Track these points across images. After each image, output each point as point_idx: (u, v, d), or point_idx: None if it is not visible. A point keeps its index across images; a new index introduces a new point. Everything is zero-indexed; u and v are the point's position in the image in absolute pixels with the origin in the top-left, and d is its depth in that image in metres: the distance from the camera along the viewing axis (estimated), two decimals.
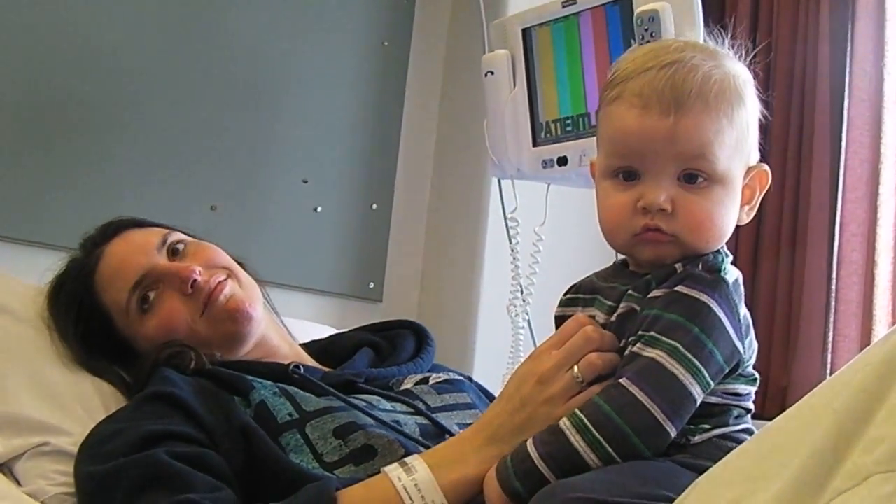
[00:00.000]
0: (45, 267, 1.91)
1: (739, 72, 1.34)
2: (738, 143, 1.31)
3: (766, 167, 1.37)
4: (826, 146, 2.94)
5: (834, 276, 2.90)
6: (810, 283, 2.93)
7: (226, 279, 1.80)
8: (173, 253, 1.84)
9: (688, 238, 1.29)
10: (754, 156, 1.36)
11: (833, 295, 2.90)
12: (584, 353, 1.32)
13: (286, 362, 1.76)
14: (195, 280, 1.76)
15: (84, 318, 1.82)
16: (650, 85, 1.28)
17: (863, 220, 2.87)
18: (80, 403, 1.75)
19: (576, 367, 1.32)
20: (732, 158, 1.30)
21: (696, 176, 1.28)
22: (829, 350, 2.90)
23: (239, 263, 1.90)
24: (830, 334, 2.90)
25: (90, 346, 1.82)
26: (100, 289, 1.83)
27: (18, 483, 1.66)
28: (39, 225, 2.45)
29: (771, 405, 2.93)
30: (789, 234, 3.01)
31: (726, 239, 1.33)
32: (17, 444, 1.69)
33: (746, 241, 3.09)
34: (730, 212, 1.32)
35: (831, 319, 2.90)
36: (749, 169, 1.35)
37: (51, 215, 2.46)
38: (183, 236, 1.88)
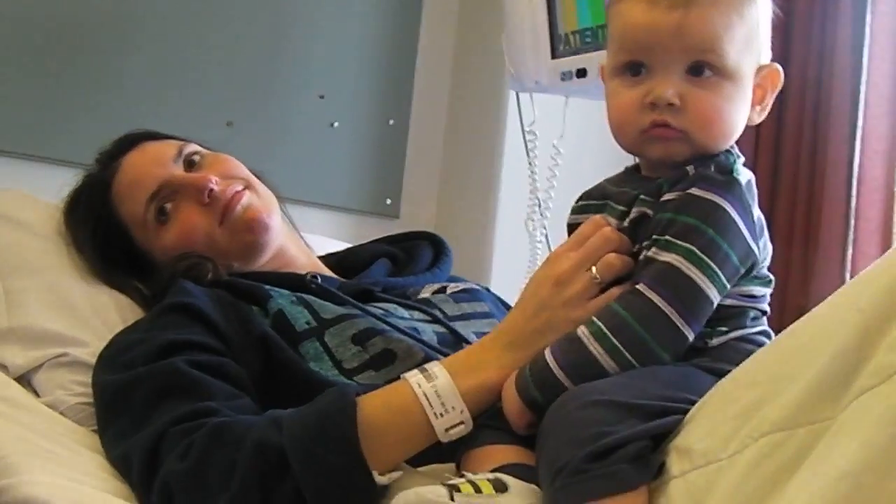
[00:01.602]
0: (60, 183, 1.90)
1: None
2: (749, 39, 1.28)
3: (777, 66, 1.35)
4: (847, 61, 2.90)
5: (854, 193, 2.87)
6: (829, 200, 2.90)
7: (243, 189, 1.80)
8: (189, 164, 1.83)
9: (697, 134, 1.27)
10: (765, 55, 1.34)
11: (853, 212, 2.88)
12: (602, 254, 1.31)
13: (303, 272, 1.76)
14: (212, 189, 1.75)
15: (101, 231, 1.82)
16: None
17: (884, 137, 2.83)
18: (98, 315, 1.76)
19: (594, 268, 1.31)
20: (742, 54, 1.27)
21: (703, 68, 1.26)
22: (849, 269, 2.88)
23: (256, 176, 1.89)
24: (850, 252, 2.88)
25: (108, 259, 1.82)
26: (117, 201, 1.83)
27: (37, 394, 1.67)
28: (55, 142, 2.44)
29: (789, 324, 2.91)
30: (809, 151, 2.98)
31: (736, 137, 1.32)
32: (35, 356, 1.69)
33: (765, 159, 3.06)
34: (739, 109, 1.30)
35: (851, 237, 2.88)
36: (760, 68, 1.33)
37: (66, 132, 2.46)
38: (199, 148, 1.88)
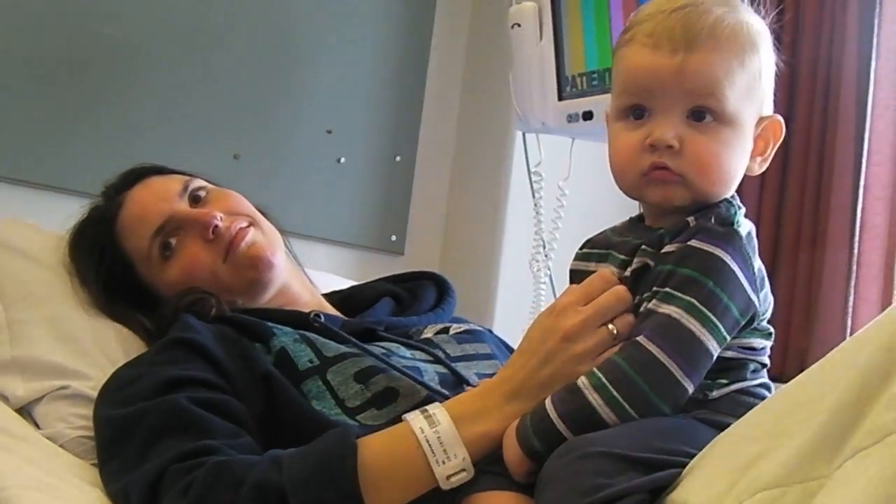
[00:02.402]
0: (65, 213, 1.90)
1: (754, 21, 1.33)
2: (749, 88, 1.30)
3: (779, 118, 1.36)
4: (851, 107, 2.91)
5: (856, 239, 2.88)
6: (832, 246, 2.91)
7: (248, 226, 1.80)
8: (195, 199, 1.84)
9: (694, 178, 1.28)
10: (767, 107, 1.35)
11: (855, 258, 2.88)
12: (616, 313, 1.31)
13: (307, 310, 1.76)
14: (216, 226, 1.76)
15: (106, 265, 1.83)
16: (661, 25, 1.28)
17: (886, 184, 2.84)
18: (100, 348, 1.76)
19: (611, 326, 1.31)
20: (742, 101, 1.29)
21: (704, 113, 1.27)
22: (850, 314, 2.88)
23: (261, 212, 1.90)
24: (851, 298, 2.89)
25: (112, 292, 1.83)
26: (121, 236, 1.83)
27: (38, 426, 1.67)
28: (60, 171, 2.46)
29: (790, 368, 2.92)
30: (812, 197, 2.99)
31: (734, 184, 1.32)
32: (36, 388, 1.69)
33: (769, 205, 3.07)
34: (738, 156, 1.31)
35: (852, 283, 2.89)
36: (761, 119, 1.34)
37: (72, 161, 2.47)
38: (204, 183, 1.89)
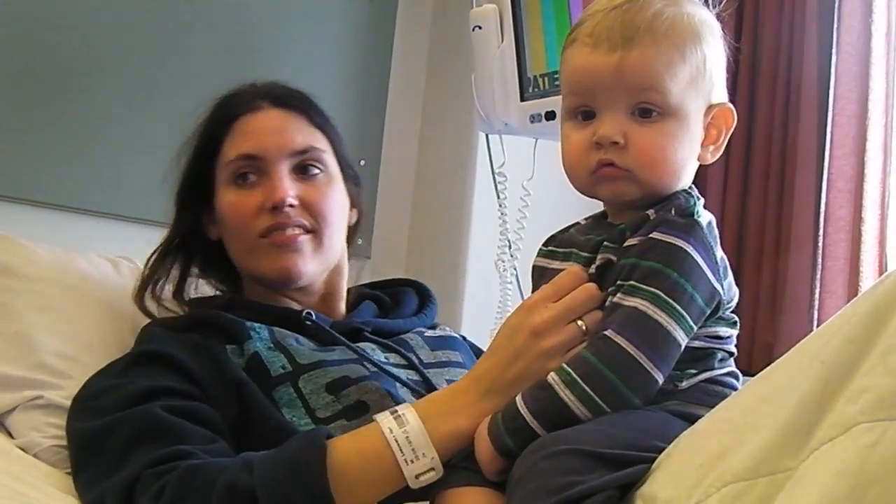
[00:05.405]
0: (19, 223, 1.88)
1: (697, 12, 1.34)
2: (693, 78, 1.31)
3: (729, 105, 1.37)
4: (813, 102, 2.93)
5: (821, 232, 2.90)
6: (797, 239, 2.93)
7: (304, 233, 1.76)
8: (296, 168, 1.79)
9: (641, 172, 1.30)
10: (718, 95, 1.36)
11: (820, 252, 2.90)
12: (586, 310, 1.32)
13: (300, 308, 1.76)
14: (279, 207, 1.72)
15: (207, 139, 1.85)
16: (601, 24, 1.30)
17: (850, 177, 2.86)
18: (71, 360, 1.76)
19: (580, 322, 1.32)
20: (686, 92, 1.30)
21: (650, 110, 1.29)
22: (816, 307, 2.90)
23: (351, 231, 1.91)
24: (817, 291, 2.90)
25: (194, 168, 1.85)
26: (236, 129, 1.81)
27: (11, 436, 1.68)
28: (30, 183, 2.42)
29: (758, 362, 2.93)
30: (776, 192, 3.01)
31: (684, 175, 1.34)
32: (8, 399, 1.70)
33: (733, 200, 3.09)
34: (684, 147, 1.32)
35: (818, 276, 2.90)
36: (710, 107, 1.35)
37: (26, 171, 2.42)
38: (317, 161, 1.83)
